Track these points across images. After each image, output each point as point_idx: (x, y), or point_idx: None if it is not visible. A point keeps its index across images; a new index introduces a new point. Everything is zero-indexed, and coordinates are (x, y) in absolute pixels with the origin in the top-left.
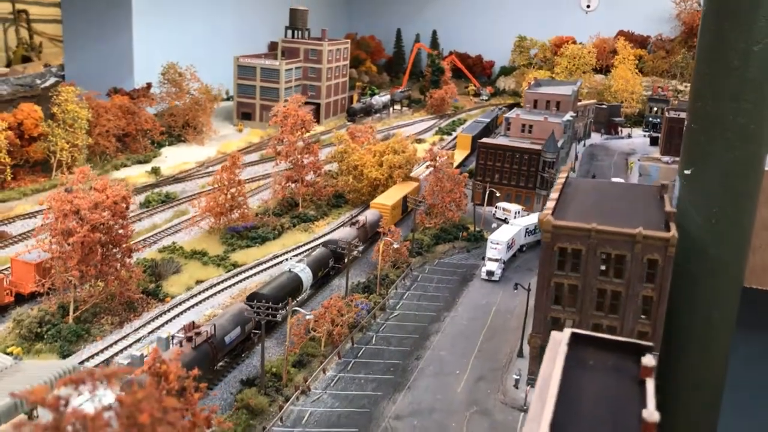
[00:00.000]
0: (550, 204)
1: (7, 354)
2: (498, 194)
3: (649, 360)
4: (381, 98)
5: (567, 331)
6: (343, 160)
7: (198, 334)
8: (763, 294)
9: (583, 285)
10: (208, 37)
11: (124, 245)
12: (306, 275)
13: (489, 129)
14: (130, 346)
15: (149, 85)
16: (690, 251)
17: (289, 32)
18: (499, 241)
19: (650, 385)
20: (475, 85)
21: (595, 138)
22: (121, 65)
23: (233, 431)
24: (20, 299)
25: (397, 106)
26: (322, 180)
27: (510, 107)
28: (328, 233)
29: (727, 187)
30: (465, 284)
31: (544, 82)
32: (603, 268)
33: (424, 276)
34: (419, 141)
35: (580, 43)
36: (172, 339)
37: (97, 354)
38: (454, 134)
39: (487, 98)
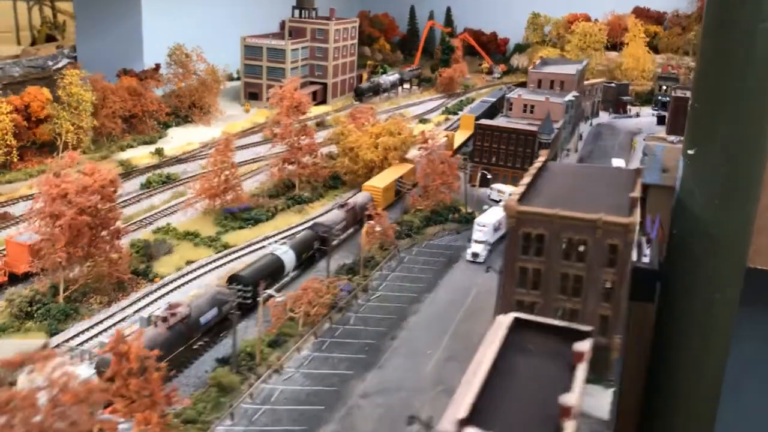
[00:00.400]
0: (520, 189)
1: None
2: (490, 176)
3: (581, 346)
4: (389, 77)
5: (510, 315)
6: (339, 141)
7: (173, 314)
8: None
9: (546, 269)
10: (219, 18)
11: (112, 227)
12: (288, 258)
13: (495, 109)
14: (115, 324)
15: (158, 66)
16: (693, 232)
17: (297, 12)
18: (486, 223)
19: (581, 370)
20: (488, 63)
21: (603, 117)
22: (131, 47)
23: (201, 409)
24: (14, 279)
25: (407, 85)
26: (321, 161)
27: (520, 86)
28: (321, 215)
29: (730, 167)
30: (450, 266)
31: (551, 60)
32: (570, 255)
33: (410, 258)
34: (424, 121)
35: (595, 20)
36: (150, 319)
37: (83, 332)
38: (461, 113)
39: (499, 76)
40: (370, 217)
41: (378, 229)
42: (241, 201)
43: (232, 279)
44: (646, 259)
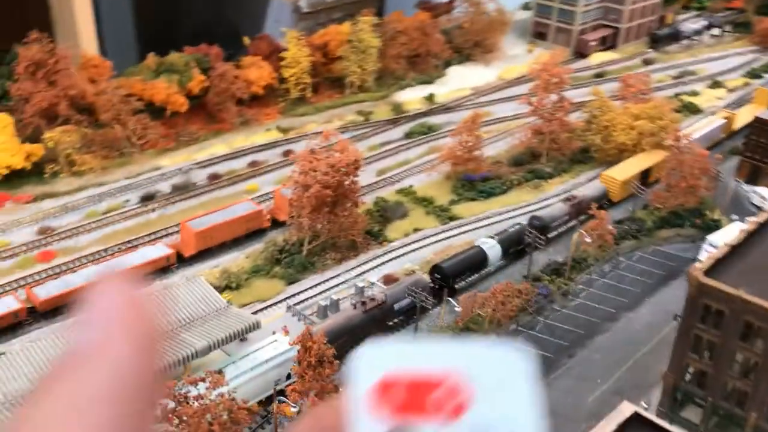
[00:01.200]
0: (718, 252)
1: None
2: (750, 190)
3: None
4: (694, 24)
5: (631, 409)
6: (595, 117)
7: (372, 299)
8: None
9: (721, 343)
10: None
11: (352, 198)
12: (494, 252)
13: None
14: (342, 283)
15: (452, 2)
16: None
17: None
18: (719, 244)
19: None
20: None
21: None
22: None
23: None
24: (276, 225)
25: (717, 31)
26: (574, 128)
27: None
28: (559, 194)
29: None
30: (666, 282)
31: None
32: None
33: (628, 264)
34: (716, 85)
35: None
36: (357, 295)
37: (314, 286)
38: (760, 82)
39: None
40: (592, 216)
41: (588, 240)
42: (481, 169)
43: (435, 269)
44: None
